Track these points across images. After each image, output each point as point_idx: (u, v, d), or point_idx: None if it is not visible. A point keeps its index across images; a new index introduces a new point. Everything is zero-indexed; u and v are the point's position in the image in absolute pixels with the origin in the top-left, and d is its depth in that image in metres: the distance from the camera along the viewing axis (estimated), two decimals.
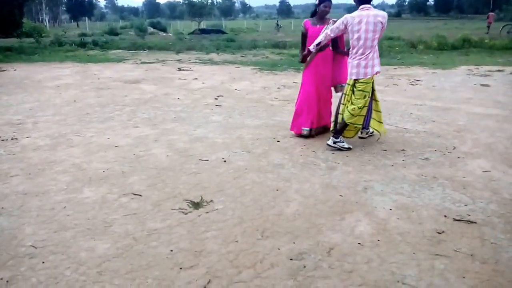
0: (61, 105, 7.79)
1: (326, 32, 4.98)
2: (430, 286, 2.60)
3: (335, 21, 5.17)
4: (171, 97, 8.52)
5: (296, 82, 8.05)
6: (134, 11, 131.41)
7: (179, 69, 12.76)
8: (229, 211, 3.58)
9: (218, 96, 8.52)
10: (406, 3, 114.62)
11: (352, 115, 4.89)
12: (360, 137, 5.52)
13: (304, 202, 3.75)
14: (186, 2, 53.02)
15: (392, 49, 17.86)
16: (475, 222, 3.37)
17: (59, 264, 2.83)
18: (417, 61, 14.28)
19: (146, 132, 5.94)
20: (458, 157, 4.87)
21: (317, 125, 5.55)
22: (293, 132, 5.68)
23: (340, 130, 5.08)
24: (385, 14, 4.80)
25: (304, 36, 5.43)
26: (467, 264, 2.82)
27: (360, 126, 5.12)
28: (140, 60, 15.54)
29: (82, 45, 20.51)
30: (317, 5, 5.24)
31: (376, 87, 5.17)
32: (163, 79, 10.94)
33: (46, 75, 11.53)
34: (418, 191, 3.96)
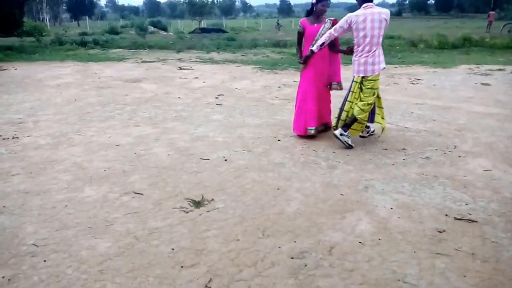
0: (61, 104, 7.79)
1: (330, 32, 4.99)
2: (430, 285, 2.60)
3: (331, 20, 5.24)
4: (172, 96, 8.52)
5: (296, 81, 8.02)
6: (134, 10, 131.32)
7: (180, 68, 12.76)
8: (230, 210, 3.59)
9: (219, 95, 8.52)
10: (407, 2, 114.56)
11: (363, 110, 4.98)
12: (361, 136, 5.53)
13: (305, 201, 3.75)
14: (187, 1, 53.05)
15: (393, 48, 17.86)
16: (476, 221, 3.37)
17: (61, 263, 2.83)
18: (418, 60, 14.28)
19: (147, 131, 5.94)
20: (459, 156, 4.88)
21: (319, 123, 5.55)
22: (294, 132, 5.63)
23: (349, 124, 5.12)
24: (387, 11, 4.89)
25: (301, 35, 5.42)
26: (468, 263, 2.83)
27: (365, 123, 5.19)
28: (141, 59, 15.54)
29: (83, 44, 20.50)
30: (315, 4, 5.23)
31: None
32: (163, 78, 10.94)
33: (46, 74, 11.53)
34: (419, 190, 3.97)
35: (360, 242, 3.08)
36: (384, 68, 5.02)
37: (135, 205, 3.68)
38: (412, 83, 9.81)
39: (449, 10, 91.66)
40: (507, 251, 2.95)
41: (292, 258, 2.89)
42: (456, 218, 3.42)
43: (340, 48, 5.51)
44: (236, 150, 5.12)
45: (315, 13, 5.30)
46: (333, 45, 5.36)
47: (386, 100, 7.31)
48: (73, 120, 6.58)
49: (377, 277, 2.68)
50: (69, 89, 9.32)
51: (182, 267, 2.79)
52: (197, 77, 10.98)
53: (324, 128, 5.68)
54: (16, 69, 12.65)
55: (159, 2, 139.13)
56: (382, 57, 4.97)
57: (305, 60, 5.31)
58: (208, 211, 3.56)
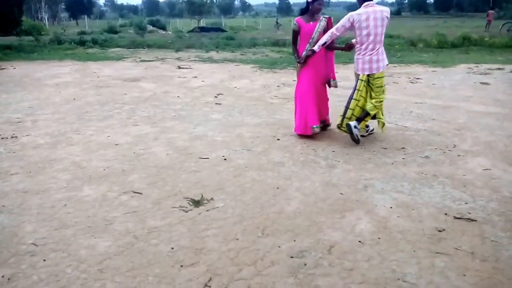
0: (60, 103, 7.78)
1: (332, 31, 5.03)
2: (430, 284, 2.60)
3: (326, 18, 5.28)
4: (171, 95, 8.52)
5: (295, 80, 7.99)
6: (133, 9, 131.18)
7: (179, 67, 12.75)
8: (230, 209, 3.59)
9: (218, 94, 8.51)
10: (406, 1, 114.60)
11: (375, 107, 5.09)
12: (361, 135, 5.51)
13: (304, 200, 3.75)
14: (186, 0, 52.96)
15: (392, 47, 17.84)
16: (476, 220, 3.37)
17: (60, 262, 2.83)
18: (417, 59, 14.28)
19: (146, 130, 5.94)
20: (458, 155, 4.88)
21: (320, 121, 5.55)
22: (296, 133, 5.58)
23: (362, 118, 5.18)
24: (388, 9, 5.00)
25: (297, 34, 5.39)
26: (468, 262, 2.83)
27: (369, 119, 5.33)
28: (140, 58, 15.52)
29: (82, 43, 20.47)
30: (311, 3, 5.22)
31: None
32: (162, 77, 10.93)
33: (45, 73, 11.51)
34: (418, 189, 3.97)
35: (359, 241, 3.08)
36: (388, 64, 5.10)
37: (134, 204, 3.67)
38: (412, 82, 9.81)
39: (448, 9, 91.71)
40: (507, 250, 2.95)
41: (291, 257, 2.89)
42: (455, 217, 3.42)
43: (338, 46, 5.52)
44: (235, 149, 5.12)
45: (310, 12, 5.30)
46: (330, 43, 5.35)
47: (385, 99, 7.29)
48: (72, 119, 6.57)
49: (376, 276, 2.68)
50: (68, 88, 9.31)
51: (181, 266, 2.79)
52: (196, 76, 10.97)
53: (323, 126, 5.68)
54: (14, 68, 12.63)
55: (158, 1, 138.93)
56: (384, 55, 5.06)
57: (306, 60, 5.30)
58: (207, 210, 3.56)
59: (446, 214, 3.48)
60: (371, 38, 4.89)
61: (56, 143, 5.40)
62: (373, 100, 5.08)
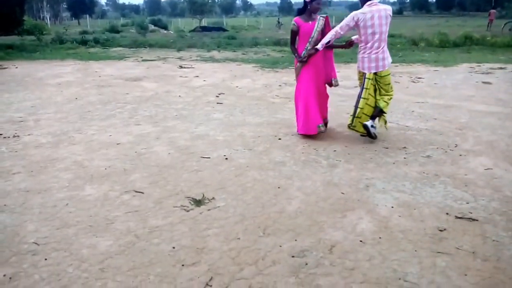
0: (62, 102, 7.80)
1: (336, 30, 5.06)
2: (431, 283, 2.60)
3: (323, 17, 5.30)
4: (172, 94, 8.52)
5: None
6: (135, 9, 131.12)
7: (180, 67, 12.76)
8: (231, 208, 3.59)
9: (219, 94, 8.51)
10: (408, 1, 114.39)
11: (387, 103, 5.22)
12: (361, 135, 5.52)
13: (305, 199, 3.75)
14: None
15: (394, 47, 17.81)
16: (477, 220, 3.37)
17: (62, 261, 2.84)
18: (419, 59, 14.26)
19: (148, 130, 5.94)
20: (460, 155, 4.87)
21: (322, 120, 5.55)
22: (299, 133, 5.56)
23: (376, 115, 5.27)
24: (390, 7, 5.12)
25: (295, 33, 5.38)
26: (469, 261, 2.83)
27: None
28: (141, 57, 15.53)
29: (83, 42, 20.48)
30: (309, 2, 5.22)
31: None
32: (164, 76, 10.94)
33: (47, 73, 11.53)
34: (419, 188, 3.97)
35: (361, 241, 3.08)
36: (391, 62, 5.20)
37: (135, 204, 3.68)
38: (413, 82, 9.80)
39: (450, 9, 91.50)
40: (508, 250, 2.95)
41: (293, 256, 2.89)
42: (457, 217, 3.42)
43: (338, 43, 5.51)
44: (236, 148, 5.12)
45: (308, 11, 5.29)
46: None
47: None
48: (74, 119, 6.58)
49: (378, 276, 2.68)
50: (70, 87, 9.32)
51: (182, 265, 2.80)
52: (197, 76, 10.98)
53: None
54: (16, 67, 12.65)
55: (160, 1, 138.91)
56: (388, 52, 5.16)
57: (308, 58, 5.29)
58: (208, 210, 3.56)
59: (447, 213, 3.48)
60: (377, 36, 4.95)
61: (58, 142, 5.41)
62: (385, 97, 5.20)
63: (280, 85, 9.51)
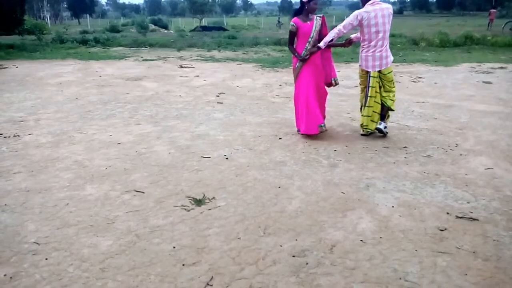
0: (63, 102, 7.80)
1: (339, 29, 5.11)
2: (432, 283, 2.60)
3: (320, 17, 5.35)
4: (173, 94, 8.52)
5: None
6: (135, 8, 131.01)
7: (181, 67, 12.75)
8: (231, 208, 3.59)
9: (220, 94, 8.51)
10: (408, 0, 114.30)
11: (393, 101, 5.35)
12: (362, 134, 5.53)
13: (306, 199, 3.75)
14: None
15: (394, 46, 17.77)
16: (478, 220, 3.37)
17: (62, 261, 2.84)
18: (419, 58, 14.25)
19: (148, 129, 5.94)
20: (460, 155, 4.87)
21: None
22: (299, 132, 5.56)
23: (385, 115, 5.41)
24: (390, 6, 5.21)
25: (294, 34, 5.38)
26: (470, 261, 2.83)
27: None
28: (142, 57, 15.52)
29: (84, 42, 20.47)
30: (306, 2, 5.22)
31: None
32: (164, 76, 10.94)
33: (47, 73, 11.53)
34: (420, 188, 3.96)
35: (361, 241, 3.08)
36: (393, 59, 5.31)
37: (136, 203, 3.68)
38: (414, 81, 9.79)
39: (450, 8, 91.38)
40: (509, 250, 2.95)
41: (293, 256, 2.89)
42: (457, 217, 3.42)
43: (338, 42, 5.52)
44: (237, 148, 5.12)
45: (306, 11, 5.29)
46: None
47: None
48: (74, 118, 6.58)
49: (378, 276, 2.68)
50: (70, 87, 9.32)
51: (183, 265, 2.80)
52: (198, 75, 10.97)
53: None
54: (17, 67, 12.65)
55: (160, 0, 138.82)
56: (389, 50, 5.28)
57: (310, 56, 5.29)
58: (209, 209, 3.56)
59: (448, 213, 3.48)
60: (380, 35, 5.04)
61: (58, 142, 5.41)
62: (391, 95, 5.30)
63: (280, 85, 9.50)
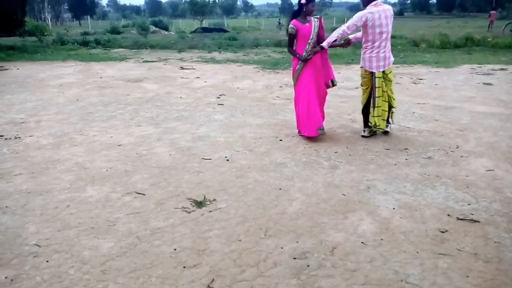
0: (64, 104, 7.80)
1: (343, 29, 5.17)
2: (433, 285, 2.60)
3: (317, 18, 5.37)
4: (174, 96, 8.53)
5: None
6: (136, 10, 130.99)
7: (181, 68, 12.76)
8: (232, 210, 3.59)
9: (220, 95, 8.52)
10: (409, 2, 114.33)
11: (394, 99, 5.48)
12: (362, 136, 5.52)
13: (307, 201, 3.75)
14: (188, 0, 52.92)
15: (395, 48, 17.78)
16: (479, 221, 3.37)
17: (63, 263, 2.84)
18: (420, 60, 14.25)
19: (149, 131, 5.95)
20: (461, 156, 4.87)
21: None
22: (300, 134, 5.56)
23: (389, 115, 5.53)
24: (391, 7, 5.29)
25: (293, 37, 5.37)
26: (471, 263, 2.82)
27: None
28: (143, 58, 15.54)
29: (85, 43, 20.50)
30: (305, 5, 5.23)
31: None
32: (165, 78, 10.95)
33: (48, 74, 11.54)
34: (421, 190, 3.96)
35: (362, 242, 3.07)
36: (393, 60, 5.42)
37: (137, 205, 3.68)
38: (414, 83, 9.79)
39: (451, 10, 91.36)
40: (510, 252, 2.95)
41: (294, 258, 2.89)
42: (458, 218, 3.41)
43: (337, 43, 5.53)
44: (237, 150, 5.12)
45: (304, 13, 5.30)
46: (320, 43, 5.35)
47: None
48: (75, 120, 6.59)
49: (379, 278, 2.67)
50: (71, 89, 9.33)
51: (184, 267, 2.80)
52: (198, 77, 10.98)
53: None
54: (18, 69, 12.67)
55: (161, 2, 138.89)
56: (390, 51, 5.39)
57: (314, 55, 5.29)
58: (210, 211, 3.56)
59: (449, 215, 3.47)
60: (384, 36, 5.12)
61: (59, 143, 5.41)
62: (393, 95, 5.42)
63: (281, 86, 9.51)
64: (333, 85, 5.63)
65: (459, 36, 19.90)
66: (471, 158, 4.82)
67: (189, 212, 3.55)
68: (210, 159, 4.82)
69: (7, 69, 12.58)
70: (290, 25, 5.35)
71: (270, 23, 53.01)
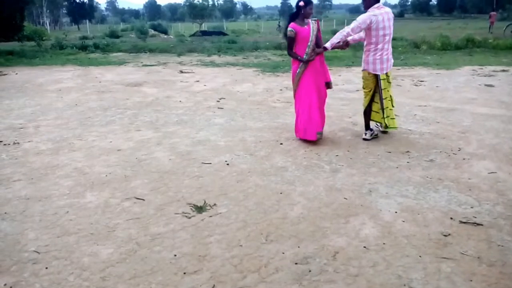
0: (62, 108, 7.78)
1: (348, 31, 5.20)
2: None
3: (315, 20, 5.39)
4: (173, 100, 8.50)
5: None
6: (135, 14, 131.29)
7: (181, 72, 12.75)
8: (233, 214, 3.56)
9: (220, 99, 8.50)
10: (409, 3, 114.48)
11: (393, 100, 5.54)
12: (364, 139, 5.50)
13: (308, 205, 3.72)
14: (187, 4, 53.00)
15: (396, 50, 17.76)
16: (482, 224, 3.34)
17: (63, 270, 2.81)
18: (421, 62, 14.23)
19: (148, 136, 5.92)
20: (463, 159, 4.84)
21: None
22: (299, 137, 5.52)
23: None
24: (390, 9, 5.32)
25: (293, 40, 5.34)
26: (474, 267, 2.79)
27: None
28: (142, 62, 15.53)
29: (83, 48, 20.48)
30: (303, 7, 5.22)
31: None
32: (164, 81, 10.93)
33: (47, 79, 11.53)
34: (423, 193, 3.93)
35: (364, 247, 3.04)
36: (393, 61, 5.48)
37: (136, 211, 3.65)
38: (415, 85, 9.77)
39: (451, 11, 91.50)
40: None
41: (296, 263, 2.86)
42: (461, 222, 3.38)
43: (336, 44, 5.52)
44: (238, 154, 5.09)
45: (302, 16, 5.29)
46: (318, 45, 5.35)
47: None
48: (74, 125, 6.56)
49: (382, 282, 2.64)
50: (70, 93, 9.31)
51: (184, 273, 2.77)
52: (198, 81, 10.96)
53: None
54: (16, 73, 12.66)
55: (160, 5, 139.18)
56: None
57: (316, 56, 5.28)
58: (210, 216, 3.53)
59: (451, 218, 3.44)
60: (387, 38, 5.19)
61: (58, 149, 5.39)
62: (392, 96, 5.47)
63: (281, 89, 9.48)
64: (328, 87, 5.61)
65: (460, 37, 19.88)
66: (473, 160, 4.79)
67: (189, 217, 3.52)
68: (210, 163, 4.79)
69: (6, 74, 12.57)
70: (289, 28, 5.32)
71: (269, 26, 53.12)
